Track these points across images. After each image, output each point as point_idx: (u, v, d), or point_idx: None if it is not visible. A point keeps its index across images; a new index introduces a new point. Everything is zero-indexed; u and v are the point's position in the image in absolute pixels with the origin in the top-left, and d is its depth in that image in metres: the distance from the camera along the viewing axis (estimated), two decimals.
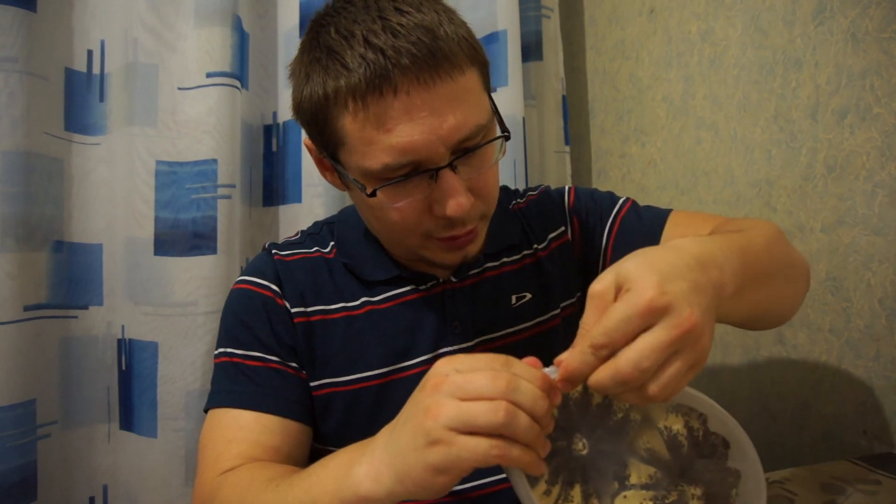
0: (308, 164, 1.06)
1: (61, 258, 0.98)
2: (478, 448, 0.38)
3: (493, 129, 0.59)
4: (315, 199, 1.05)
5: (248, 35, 1.09)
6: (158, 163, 1.00)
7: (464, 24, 0.57)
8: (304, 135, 0.64)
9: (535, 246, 0.72)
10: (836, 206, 0.79)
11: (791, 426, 0.86)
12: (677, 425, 0.43)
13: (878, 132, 0.73)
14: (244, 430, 0.60)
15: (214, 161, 1.00)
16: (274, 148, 1.14)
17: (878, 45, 0.73)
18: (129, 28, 1.00)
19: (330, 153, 0.59)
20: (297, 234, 0.73)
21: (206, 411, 0.64)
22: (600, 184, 1.32)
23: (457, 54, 0.53)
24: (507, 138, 0.59)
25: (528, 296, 0.70)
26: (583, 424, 0.44)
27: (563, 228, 0.74)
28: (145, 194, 1.00)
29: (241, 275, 0.69)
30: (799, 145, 0.84)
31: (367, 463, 0.44)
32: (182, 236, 0.99)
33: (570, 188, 0.77)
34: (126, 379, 1.00)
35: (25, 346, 0.91)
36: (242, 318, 0.65)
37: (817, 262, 0.82)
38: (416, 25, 0.52)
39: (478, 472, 0.64)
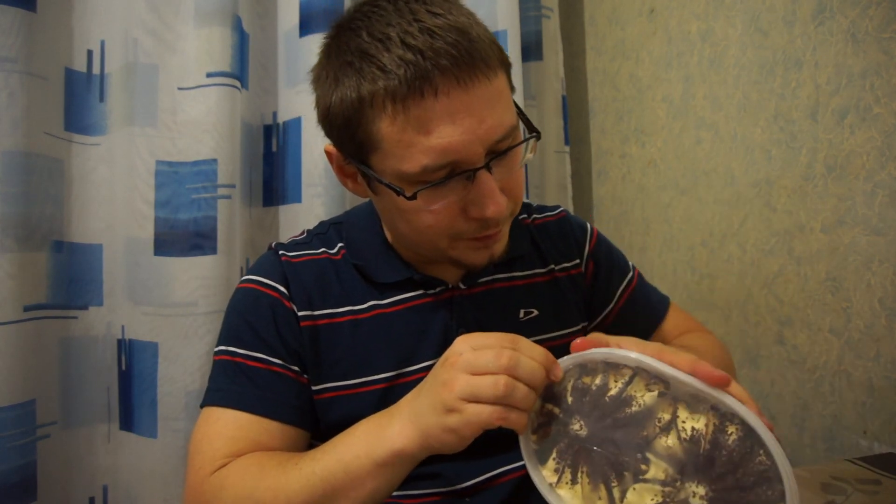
0: (308, 164, 1.06)
1: (61, 258, 0.98)
2: (482, 413, 0.46)
3: (520, 130, 0.59)
4: (315, 199, 1.05)
5: (248, 35, 1.09)
6: (158, 163, 1.00)
7: (486, 27, 0.57)
8: (326, 142, 0.63)
9: (552, 266, 0.74)
10: (836, 206, 0.79)
11: (791, 426, 0.86)
12: (699, 424, 0.43)
13: (878, 132, 0.73)
14: (244, 429, 0.60)
15: (214, 161, 1.00)
16: (274, 148, 1.14)
17: (878, 46, 0.73)
18: (129, 28, 1.00)
19: (360, 159, 0.58)
20: (302, 234, 0.73)
21: (201, 407, 0.63)
22: (600, 184, 1.32)
23: (490, 56, 0.54)
24: (538, 138, 0.59)
25: (535, 312, 0.71)
26: (585, 410, 0.48)
27: (578, 261, 0.76)
28: (145, 194, 1.00)
29: (247, 273, 0.68)
30: (799, 145, 0.84)
31: (397, 424, 0.51)
32: (182, 236, 0.99)
33: (592, 229, 0.79)
34: (126, 379, 1.00)
35: (25, 347, 0.90)
36: (248, 318, 0.64)
37: (817, 262, 0.82)
38: (451, 27, 0.52)
39: (477, 468, 0.65)
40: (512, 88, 0.59)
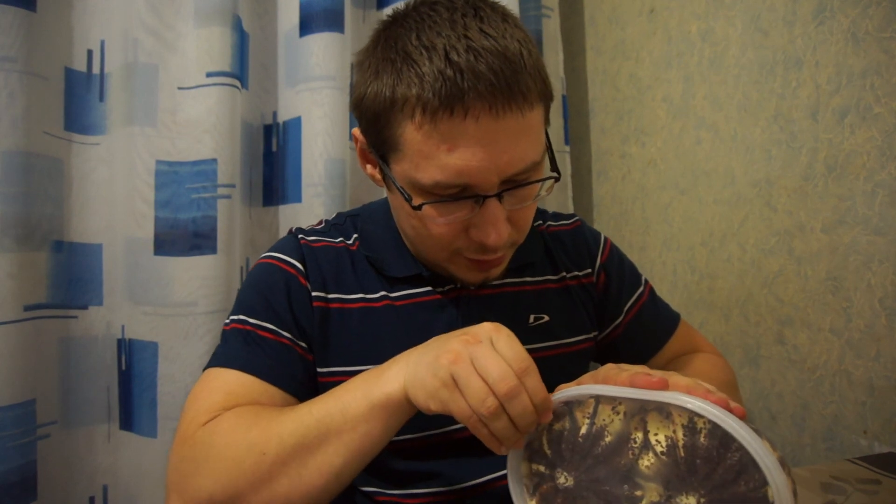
0: (308, 164, 1.06)
1: (61, 258, 0.98)
2: (462, 411, 0.46)
3: (544, 164, 0.59)
4: (315, 199, 1.05)
5: (248, 35, 1.09)
6: (158, 163, 1.00)
7: (539, 56, 0.57)
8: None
9: (563, 274, 0.74)
10: (837, 206, 0.79)
11: (791, 426, 0.86)
12: (669, 431, 0.43)
13: (878, 132, 0.73)
14: (246, 387, 0.59)
15: (214, 161, 1.00)
16: (274, 148, 1.14)
17: (879, 45, 0.73)
18: (129, 28, 1.00)
19: (380, 154, 0.59)
20: (321, 223, 0.74)
21: (204, 370, 0.62)
22: (600, 184, 1.32)
23: (531, 90, 0.53)
24: (557, 179, 0.59)
25: (546, 318, 0.71)
26: (565, 458, 0.47)
27: (589, 270, 0.76)
28: (145, 194, 1.00)
29: (267, 251, 0.69)
30: (799, 145, 0.84)
31: (395, 368, 0.52)
32: (182, 236, 0.99)
33: (605, 240, 0.79)
34: (126, 379, 1.00)
35: (25, 346, 0.90)
36: (262, 290, 0.65)
37: (817, 262, 0.82)
38: (500, 53, 0.52)
39: (478, 469, 0.65)
40: (547, 121, 0.59)
